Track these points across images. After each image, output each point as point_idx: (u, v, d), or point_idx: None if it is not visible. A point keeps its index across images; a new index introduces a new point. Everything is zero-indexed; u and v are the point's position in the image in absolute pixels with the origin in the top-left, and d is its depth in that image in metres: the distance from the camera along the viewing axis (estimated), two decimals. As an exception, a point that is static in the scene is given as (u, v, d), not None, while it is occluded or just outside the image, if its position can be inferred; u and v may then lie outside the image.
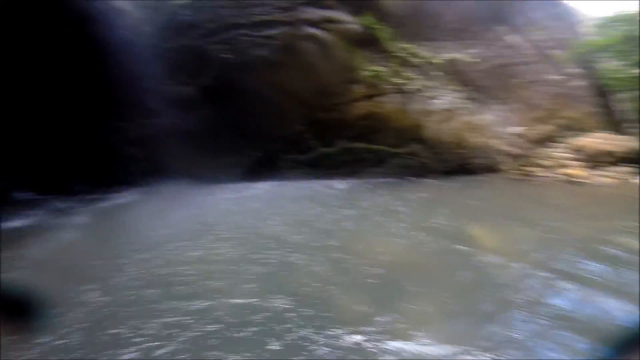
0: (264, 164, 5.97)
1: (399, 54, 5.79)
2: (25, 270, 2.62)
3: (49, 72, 4.56)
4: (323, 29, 5.41)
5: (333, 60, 5.65)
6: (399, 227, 3.40)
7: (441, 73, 6.01)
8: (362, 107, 5.90)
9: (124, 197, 4.80)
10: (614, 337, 0.90)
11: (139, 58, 4.95)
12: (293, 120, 5.91)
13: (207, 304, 2.09)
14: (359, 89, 5.80)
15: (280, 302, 2.08)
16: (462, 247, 2.83)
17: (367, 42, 5.66)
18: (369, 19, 5.64)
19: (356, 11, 5.64)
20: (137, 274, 2.51)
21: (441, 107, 5.82)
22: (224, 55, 5.39)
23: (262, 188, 5.42)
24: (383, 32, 5.70)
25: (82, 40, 4.49)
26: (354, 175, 5.72)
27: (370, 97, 5.89)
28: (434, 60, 5.98)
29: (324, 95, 5.79)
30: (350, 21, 5.57)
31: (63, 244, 3.24)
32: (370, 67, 5.64)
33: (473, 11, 6.30)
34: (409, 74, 5.77)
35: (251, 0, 5.38)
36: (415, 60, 5.85)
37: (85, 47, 4.55)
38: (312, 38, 5.43)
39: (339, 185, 5.41)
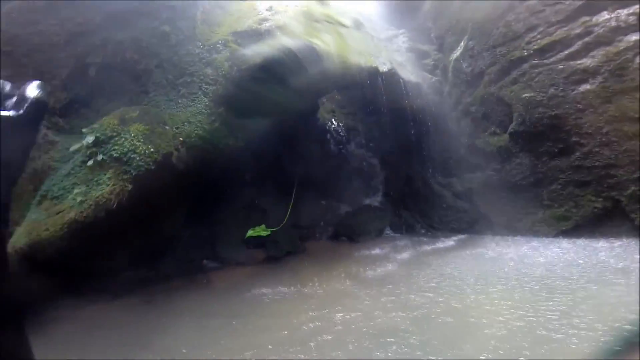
0: (609, 217, 4.55)
1: None
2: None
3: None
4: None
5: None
6: None
7: None
8: None
9: (444, 243, 5.69)
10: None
11: (450, 117, 5.83)
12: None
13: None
14: None
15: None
16: None
17: None
18: None
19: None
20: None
21: None
22: (525, 96, 4.96)
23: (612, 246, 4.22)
24: None
25: (405, 114, 6.13)
26: None
27: None
28: None
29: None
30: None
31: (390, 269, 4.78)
32: None
33: None
34: None
35: (518, 27, 4.51)
36: None
37: (409, 119, 6.17)
38: (635, 44, 3.66)
39: None
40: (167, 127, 4.46)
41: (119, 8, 4.47)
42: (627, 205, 4.35)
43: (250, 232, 5.90)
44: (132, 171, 4.06)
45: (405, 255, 5.27)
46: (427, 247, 5.60)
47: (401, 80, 5.56)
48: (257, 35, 4.54)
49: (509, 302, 3.14)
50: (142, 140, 4.16)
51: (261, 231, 6.00)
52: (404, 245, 5.83)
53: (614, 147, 4.40)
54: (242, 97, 4.60)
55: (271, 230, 6.06)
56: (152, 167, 4.18)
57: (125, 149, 4.08)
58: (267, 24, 4.54)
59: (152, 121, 4.30)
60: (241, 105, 4.86)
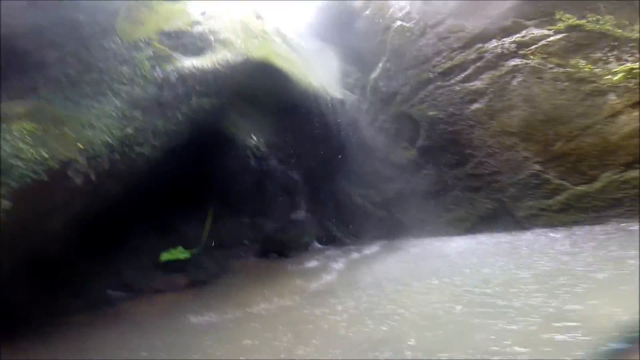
0: (497, 215, 5.60)
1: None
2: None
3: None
4: (522, 54, 4.85)
5: (554, 80, 4.84)
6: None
7: None
8: (630, 121, 4.46)
9: (369, 250, 6.06)
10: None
11: (367, 133, 6.47)
12: (525, 161, 5.31)
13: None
14: (611, 101, 4.49)
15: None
16: None
17: (586, 45, 4.48)
18: (567, 18, 4.51)
19: (544, 20, 4.71)
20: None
21: None
22: (430, 114, 5.91)
23: (490, 241, 5.15)
24: (601, 22, 4.34)
25: (330, 130, 6.51)
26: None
27: (637, 104, 4.41)
28: None
29: (558, 123, 4.91)
30: (547, 34, 4.70)
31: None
32: (616, 69, 4.31)
33: None
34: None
35: (427, 51, 5.65)
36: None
37: (333, 135, 6.57)
38: (513, 68, 4.96)
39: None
40: (66, 130, 3.63)
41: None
42: (509, 204, 5.45)
43: (166, 256, 5.21)
44: (12, 183, 3.17)
45: (340, 264, 5.38)
46: (357, 255, 5.85)
47: (329, 97, 5.85)
48: (188, 39, 4.18)
49: (448, 289, 3.51)
50: (30, 142, 3.30)
51: (179, 254, 5.34)
52: (335, 255, 5.95)
53: (497, 157, 5.50)
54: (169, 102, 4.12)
55: (190, 252, 5.45)
56: (44, 179, 3.33)
57: (5, 153, 3.17)
58: (200, 28, 4.23)
59: (46, 120, 3.45)
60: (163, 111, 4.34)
